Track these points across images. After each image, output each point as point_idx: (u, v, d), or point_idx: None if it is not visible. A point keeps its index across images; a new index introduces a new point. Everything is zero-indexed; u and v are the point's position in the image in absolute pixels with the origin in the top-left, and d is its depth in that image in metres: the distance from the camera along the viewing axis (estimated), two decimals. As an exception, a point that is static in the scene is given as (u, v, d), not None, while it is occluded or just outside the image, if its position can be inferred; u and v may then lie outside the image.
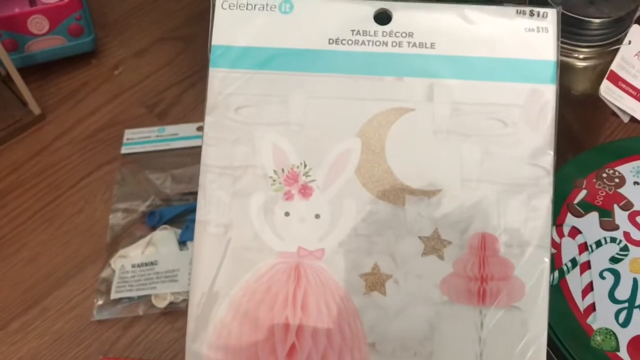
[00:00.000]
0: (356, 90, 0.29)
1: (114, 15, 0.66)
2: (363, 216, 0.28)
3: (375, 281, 0.28)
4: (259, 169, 0.29)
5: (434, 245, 0.28)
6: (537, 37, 0.28)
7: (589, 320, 0.35)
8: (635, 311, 0.35)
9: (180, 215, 0.50)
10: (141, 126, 0.57)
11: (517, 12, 0.28)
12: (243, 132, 0.29)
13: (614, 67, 0.42)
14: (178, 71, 0.61)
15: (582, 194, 0.40)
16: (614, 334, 0.35)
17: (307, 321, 0.27)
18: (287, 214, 0.29)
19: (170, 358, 0.44)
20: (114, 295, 0.46)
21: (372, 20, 0.29)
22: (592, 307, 0.35)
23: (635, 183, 0.40)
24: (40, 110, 0.57)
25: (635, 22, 0.43)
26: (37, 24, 0.57)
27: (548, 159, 0.29)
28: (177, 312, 0.46)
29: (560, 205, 0.40)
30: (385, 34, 0.29)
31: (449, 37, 0.29)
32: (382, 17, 0.29)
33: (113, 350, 0.45)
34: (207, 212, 0.29)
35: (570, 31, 0.42)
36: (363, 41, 0.29)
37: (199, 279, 0.28)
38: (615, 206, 0.39)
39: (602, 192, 0.40)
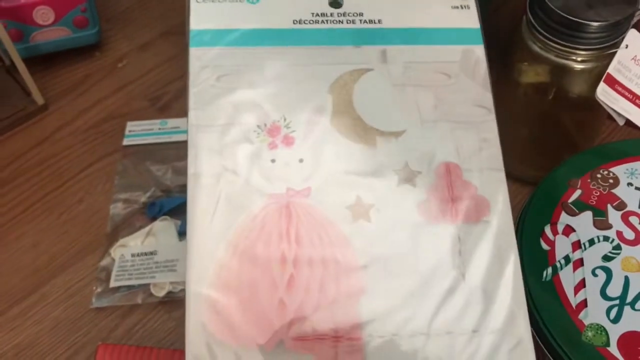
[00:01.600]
0: (321, 57, 0.34)
1: (119, 9, 0.66)
2: (342, 157, 0.32)
3: (359, 211, 0.31)
4: (244, 125, 0.32)
5: (406, 175, 0.32)
6: (462, 12, 0.36)
7: (581, 316, 0.36)
8: (626, 308, 0.36)
9: (180, 206, 0.51)
10: (143, 119, 0.58)
11: (449, 5, 0.36)
12: (225, 95, 0.32)
13: (610, 70, 0.43)
14: (181, 66, 0.62)
15: (577, 193, 0.41)
16: (604, 329, 0.35)
17: (302, 253, 0.29)
18: (273, 160, 0.32)
19: (167, 346, 0.45)
20: (113, 284, 0.47)
21: (328, 6, 0.35)
22: (584, 304, 0.36)
23: (629, 184, 0.41)
24: (43, 100, 0.58)
25: (633, 27, 0.44)
26: (43, 14, 0.57)
27: (488, 99, 0.35)
28: (175, 301, 0.47)
29: (555, 204, 0.40)
30: (339, 14, 0.35)
31: (392, 15, 0.35)
32: (335, 3, 0.36)
33: (111, 337, 0.45)
34: (199, 164, 0.31)
35: (568, 34, 0.42)
36: (322, 20, 0.35)
37: (196, 226, 0.30)
38: (609, 206, 0.40)
39: (596, 192, 0.41)
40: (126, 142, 0.56)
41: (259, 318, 0.28)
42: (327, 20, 0.35)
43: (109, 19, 0.65)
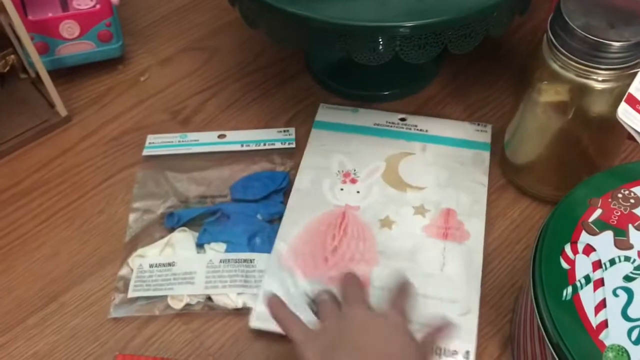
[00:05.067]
0: (386, 143, 0.57)
1: (142, 24, 0.67)
2: (383, 194, 0.53)
3: (386, 223, 0.51)
4: (330, 170, 0.55)
5: (420, 211, 0.52)
6: (480, 132, 0.57)
7: (602, 336, 0.35)
8: (648, 329, 0.35)
9: (198, 217, 0.51)
10: (164, 132, 0.58)
11: (470, 123, 0.58)
12: (325, 154, 0.56)
13: (632, 90, 0.43)
14: (201, 80, 0.63)
15: (597, 212, 0.41)
16: (626, 351, 0.35)
17: (345, 237, 0.51)
18: (342, 189, 0.54)
19: (185, 358, 0.45)
20: (131, 294, 0.47)
21: (398, 119, 0.59)
22: (604, 324, 0.36)
23: (651, 204, 0.41)
24: (66, 112, 0.59)
25: (654, 47, 0.44)
26: (69, 28, 0.59)
27: (485, 180, 0.53)
28: (192, 313, 0.47)
29: (576, 223, 0.40)
30: (403, 124, 0.58)
31: (435, 128, 0.58)
32: (402, 119, 0.59)
33: (128, 348, 0.45)
34: (300, 183, 0.54)
35: (590, 53, 0.43)
36: (392, 125, 0.58)
37: (290, 218, 0.52)
38: (630, 226, 0.40)
39: (617, 212, 0.41)
40: (146, 152, 0.57)
41: (311, 263, 0.49)
42: (394, 126, 0.58)
43: (132, 34, 0.66)
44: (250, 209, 0.52)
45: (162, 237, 0.50)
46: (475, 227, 0.50)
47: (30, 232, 0.52)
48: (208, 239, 0.50)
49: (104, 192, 0.55)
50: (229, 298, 0.47)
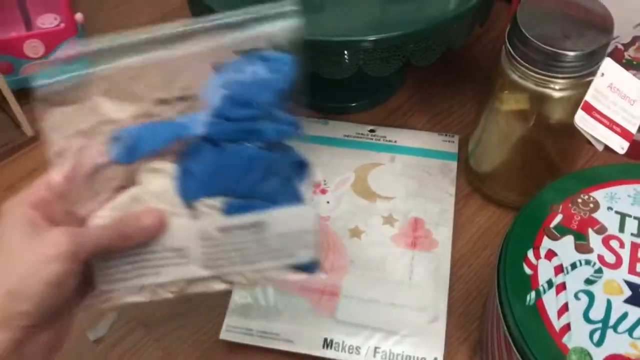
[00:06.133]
0: (355, 154, 0.57)
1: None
2: (352, 204, 0.53)
3: (355, 233, 0.52)
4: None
5: (389, 220, 0.52)
6: (448, 143, 0.58)
7: (565, 339, 0.36)
8: (609, 331, 0.36)
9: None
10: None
11: (439, 134, 0.59)
12: None
13: (588, 97, 0.44)
14: (170, 96, 0.63)
15: (558, 218, 0.42)
16: (588, 353, 0.36)
17: None
18: (312, 199, 0.40)
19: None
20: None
21: (368, 131, 0.59)
22: (567, 327, 0.37)
23: (609, 208, 0.42)
24: (33, 131, 0.59)
25: (608, 56, 0.45)
26: (33, 48, 0.58)
27: (452, 189, 0.54)
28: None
29: (538, 229, 0.41)
30: (373, 135, 0.59)
31: (405, 139, 0.58)
32: (372, 130, 0.59)
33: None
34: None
35: (547, 63, 0.44)
36: (361, 137, 0.59)
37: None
38: (590, 230, 0.41)
39: (577, 217, 0.42)
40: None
41: None
42: (364, 137, 0.58)
43: (99, 51, 0.66)
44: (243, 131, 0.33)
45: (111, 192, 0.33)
46: (443, 235, 0.51)
47: None
48: (197, 189, 0.32)
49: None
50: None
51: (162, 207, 0.33)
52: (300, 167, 0.35)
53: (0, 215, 0.32)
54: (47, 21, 0.59)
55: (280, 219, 0.33)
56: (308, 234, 0.33)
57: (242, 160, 0.32)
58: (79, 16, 0.59)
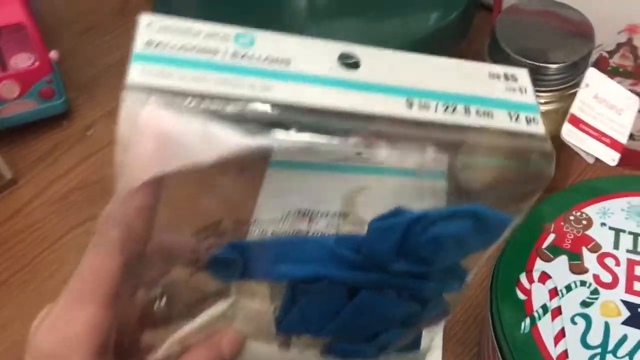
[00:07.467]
0: (343, 177, 0.43)
1: (85, 77, 0.66)
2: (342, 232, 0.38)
3: None
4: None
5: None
6: (435, 162, 0.35)
7: (563, 367, 0.35)
8: (608, 356, 0.35)
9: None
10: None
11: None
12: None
13: (574, 110, 0.43)
14: (151, 128, 0.61)
15: (551, 237, 0.40)
16: (588, 381, 0.34)
17: None
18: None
19: None
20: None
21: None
22: (564, 354, 0.35)
23: (602, 224, 0.40)
24: (11, 174, 0.57)
25: (593, 64, 0.44)
26: (8, 88, 0.57)
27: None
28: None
29: (529, 251, 0.40)
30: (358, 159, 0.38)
31: (390, 159, 0.36)
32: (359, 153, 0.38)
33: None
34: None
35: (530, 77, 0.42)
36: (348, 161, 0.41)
37: None
38: (584, 249, 0.39)
39: (570, 235, 0.40)
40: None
41: None
42: (351, 160, 0.41)
43: (76, 88, 0.64)
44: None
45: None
46: None
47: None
48: (303, 327, 0.28)
49: (57, 252, 0.53)
50: None
51: (250, 331, 0.27)
52: (436, 318, 0.28)
53: None
54: (21, 61, 0.58)
55: None
56: None
57: (375, 311, 0.25)
58: (53, 54, 0.58)
